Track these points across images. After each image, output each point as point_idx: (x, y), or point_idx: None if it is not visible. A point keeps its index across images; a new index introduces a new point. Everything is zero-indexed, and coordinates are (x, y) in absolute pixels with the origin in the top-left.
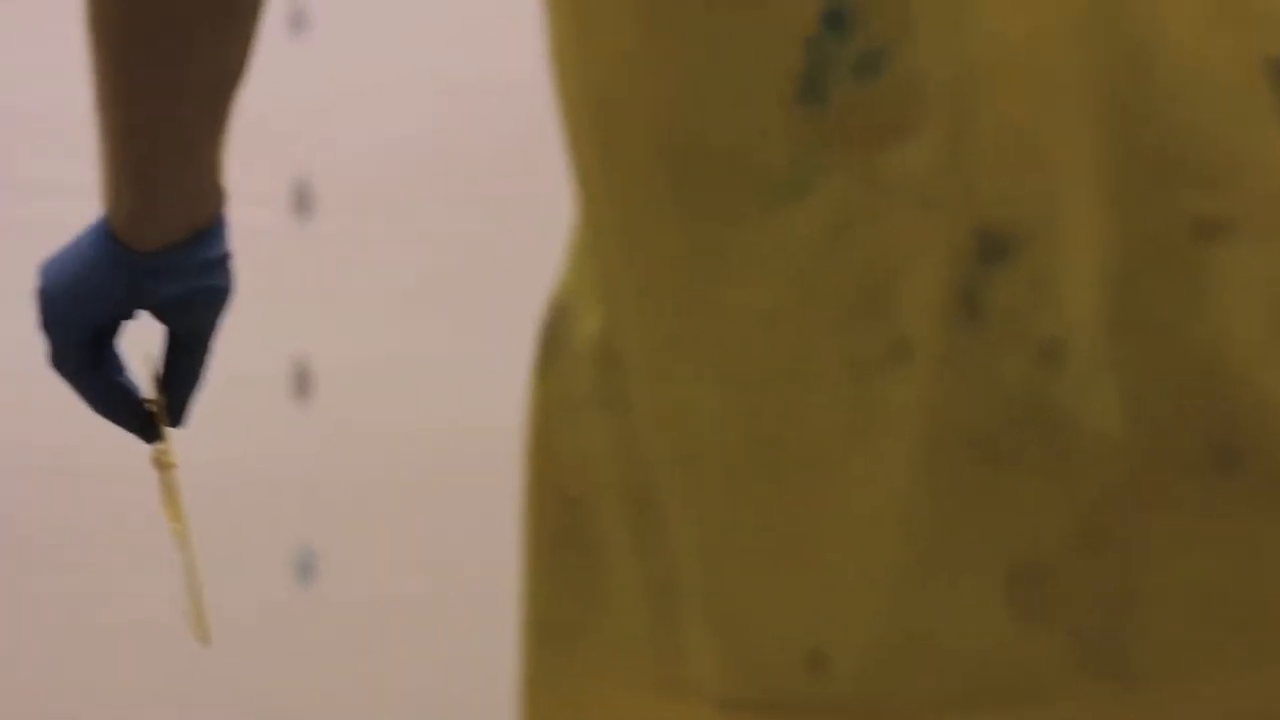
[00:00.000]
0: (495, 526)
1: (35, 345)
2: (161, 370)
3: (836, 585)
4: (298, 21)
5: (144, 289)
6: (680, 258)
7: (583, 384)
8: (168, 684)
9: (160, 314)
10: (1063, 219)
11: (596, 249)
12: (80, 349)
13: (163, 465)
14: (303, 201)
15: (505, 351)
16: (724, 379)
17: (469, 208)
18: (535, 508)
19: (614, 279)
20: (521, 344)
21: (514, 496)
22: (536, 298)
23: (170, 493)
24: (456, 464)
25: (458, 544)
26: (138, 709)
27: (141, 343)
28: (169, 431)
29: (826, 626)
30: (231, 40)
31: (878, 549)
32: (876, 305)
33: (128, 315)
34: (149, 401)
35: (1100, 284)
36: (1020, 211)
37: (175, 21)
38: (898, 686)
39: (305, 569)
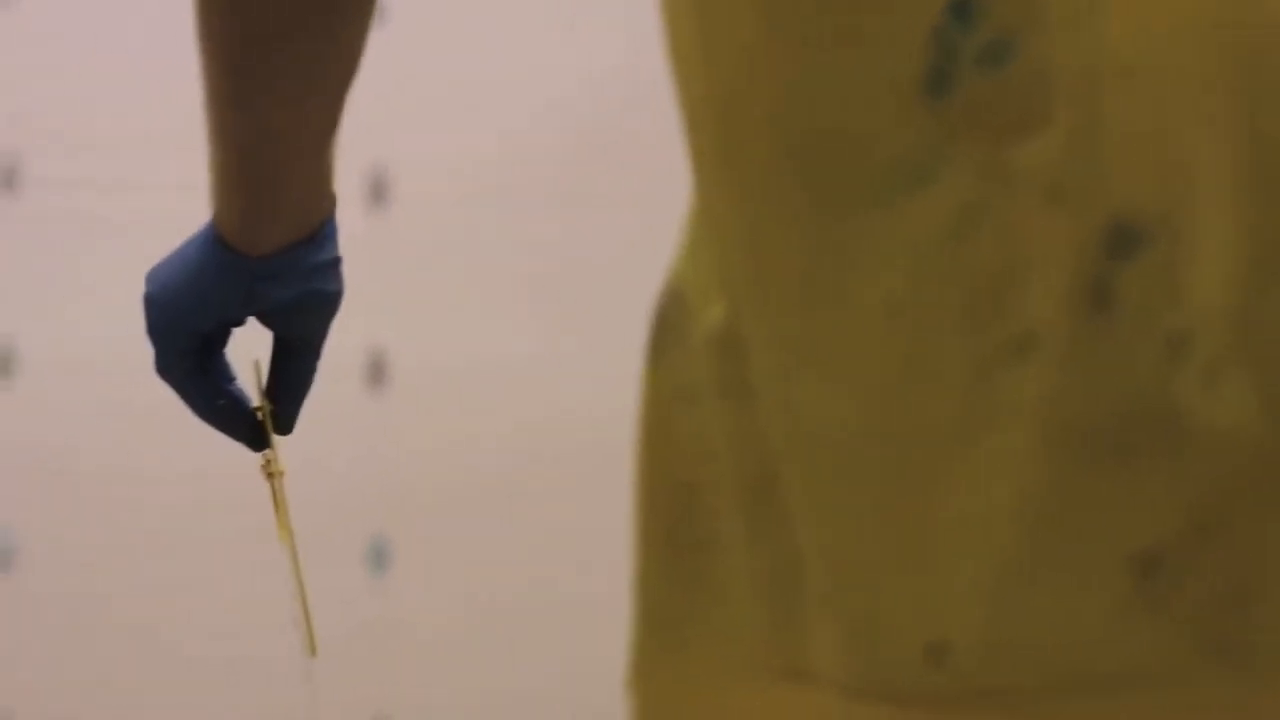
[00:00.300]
0: (570, 524)
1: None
2: (269, 377)
3: (955, 578)
4: (375, 15)
5: (255, 294)
6: (802, 250)
7: (702, 372)
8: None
9: (270, 319)
10: (1194, 212)
11: (715, 240)
12: (188, 356)
13: (271, 473)
14: (378, 193)
15: (586, 349)
16: (843, 372)
17: (548, 205)
18: (648, 497)
19: (734, 271)
20: (598, 341)
21: (586, 494)
22: (614, 296)
23: (278, 501)
24: (530, 463)
25: (531, 543)
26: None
27: (248, 349)
28: (277, 439)
29: (945, 618)
30: (349, 36)
31: (996, 541)
32: (1000, 298)
33: (237, 321)
34: (257, 409)
35: (1229, 278)
36: (1152, 204)
37: (294, 20)
38: (1016, 676)
39: (379, 559)
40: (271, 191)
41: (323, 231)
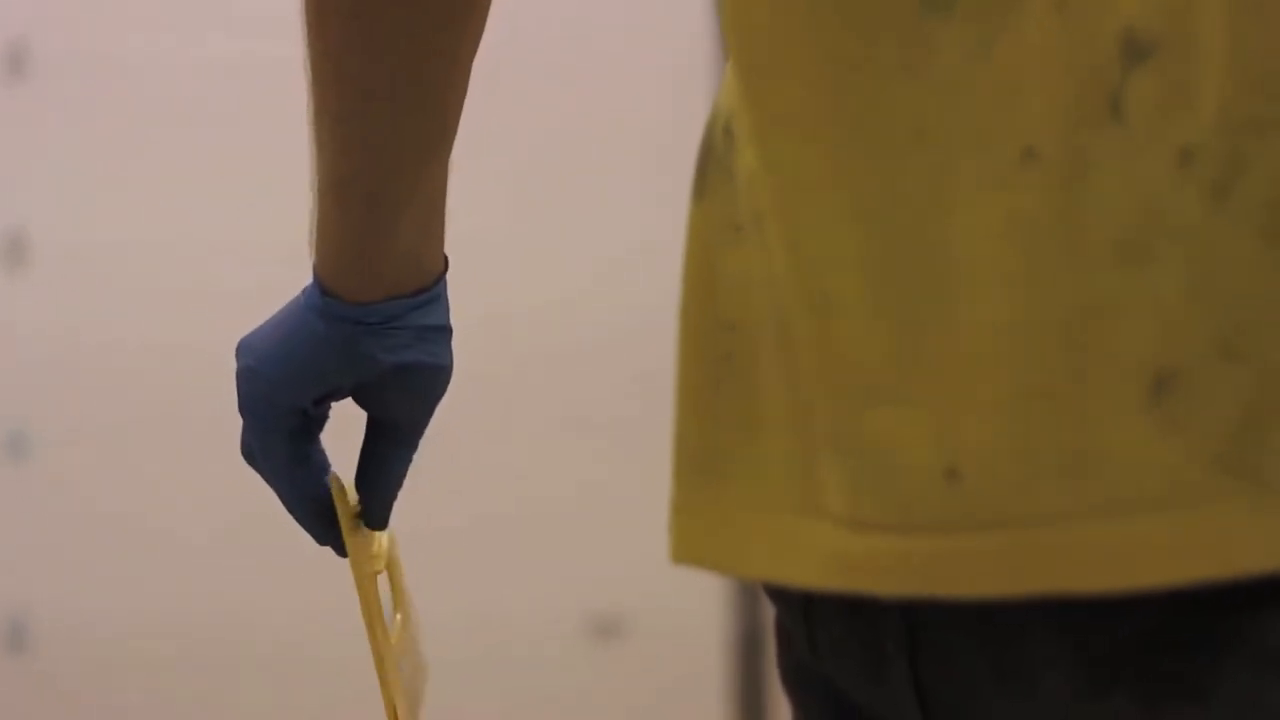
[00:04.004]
0: (221, 407)
1: None
2: (359, 465)
3: (969, 399)
4: None
5: (357, 353)
6: (821, 79)
7: (745, 208)
8: None
9: (369, 393)
10: (1196, 26)
11: (737, 79)
12: (283, 439)
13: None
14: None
15: (243, 226)
16: (860, 201)
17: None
18: (692, 335)
19: (758, 105)
20: (253, 218)
21: (224, 376)
22: (265, 174)
23: (370, 605)
24: (181, 345)
25: (173, 428)
26: None
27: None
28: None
29: (960, 442)
30: (465, 54)
31: (1011, 359)
32: (1015, 113)
33: (339, 389)
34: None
35: (1229, 97)
36: (1158, 17)
37: (419, 30)
38: (1036, 499)
39: (16, 447)
40: (376, 229)
41: (433, 291)
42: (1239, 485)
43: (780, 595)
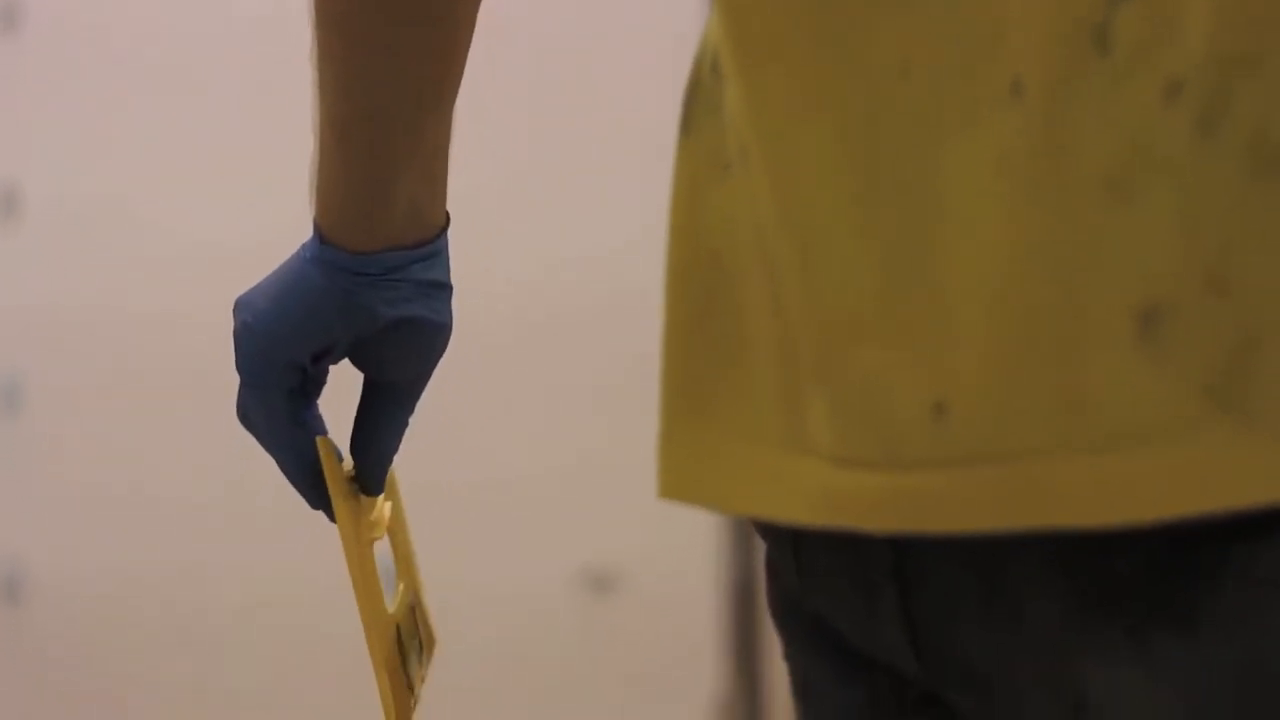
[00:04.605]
0: (205, 361)
1: None
2: (354, 430)
3: (957, 333)
4: None
5: (355, 305)
6: (806, 11)
7: (732, 145)
8: None
9: (366, 351)
10: None
11: (720, 13)
12: (281, 398)
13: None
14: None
15: (224, 181)
16: (845, 134)
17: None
18: (679, 267)
19: (742, 40)
20: (226, 171)
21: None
22: (234, 129)
23: (360, 574)
24: (167, 296)
25: (163, 381)
26: None
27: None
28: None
29: (947, 377)
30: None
31: (999, 293)
32: (1001, 45)
33: (337, 345)
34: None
35: (1217, 24)
36: None
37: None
38: (1024, 434)
39: (11, 398)
40: (378, 175)
41: (434, 245)
42: (1228, 418)
43: (769, 530)
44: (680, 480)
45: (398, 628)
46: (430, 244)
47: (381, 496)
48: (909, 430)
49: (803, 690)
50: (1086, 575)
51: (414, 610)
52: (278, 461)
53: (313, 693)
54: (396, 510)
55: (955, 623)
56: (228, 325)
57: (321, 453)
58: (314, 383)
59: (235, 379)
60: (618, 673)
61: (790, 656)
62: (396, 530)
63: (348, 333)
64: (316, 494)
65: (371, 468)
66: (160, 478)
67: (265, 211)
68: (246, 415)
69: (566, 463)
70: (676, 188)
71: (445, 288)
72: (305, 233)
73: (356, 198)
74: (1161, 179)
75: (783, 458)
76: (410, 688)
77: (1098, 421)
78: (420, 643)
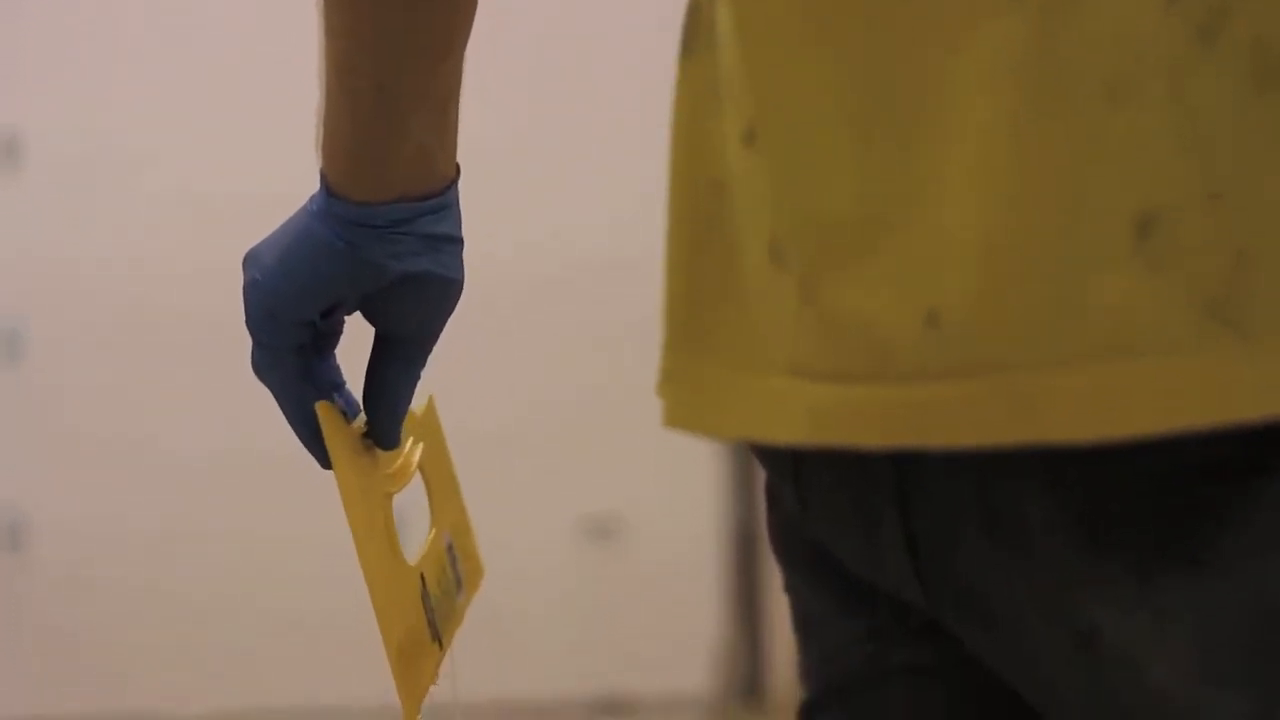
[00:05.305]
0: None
1: None
2: (365, 384)
3: (949, 241)
4: None
5: (364, 259)
6: None
7: (724, 71)
8: None
9: (376, 305)
10: None
11: None
12: (291, 355)
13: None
14: None
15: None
16: (835, 36)
17: None
18: (680, 197)
19: None
20: (238, 121)
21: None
22: (250, 79)
23: (365, 533)
24: (176, 244)
25: (167, 330)
26: None
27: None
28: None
29: (940, 286)
30: None
31: (993, 200)
32: None
33: (345, 300)
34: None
35: None
36: None
37: None
38: (1017, 344)
39: (12, 347)
40: (386, 123)
41: (444, 197)
42: (1226, 330)
43: (769, 456)
44: (682, 410)
45: (422, 577)
46: (439, 196)
47: (410, 440)
48: (901, 342)
49: (804, 621)
50: (1093, 511)
51: (449, 549)
52: (288, 419)
53: (310, 640)
54: (433, 446)
55: (957, 548)
56: (231, 274)
57: (321, 419)
58: (327, 335)
59: (237, 329)
60: (619, 619)
61: (791, 587)
62: (432, 467)
63: (355, 289)
64: (324, 452)
65: (384, 422)
66: (161, 425)
67: (269, 160)
68: (259, 372)
69: (568, 413)
70: (677, 112)
71: (455, 241)
72: (310, 180)
73: (364, 144)
74: (1160, 87)
75: (779, 381)
76: (437, 637)
77: (1093, 331)
78: (457, 579)
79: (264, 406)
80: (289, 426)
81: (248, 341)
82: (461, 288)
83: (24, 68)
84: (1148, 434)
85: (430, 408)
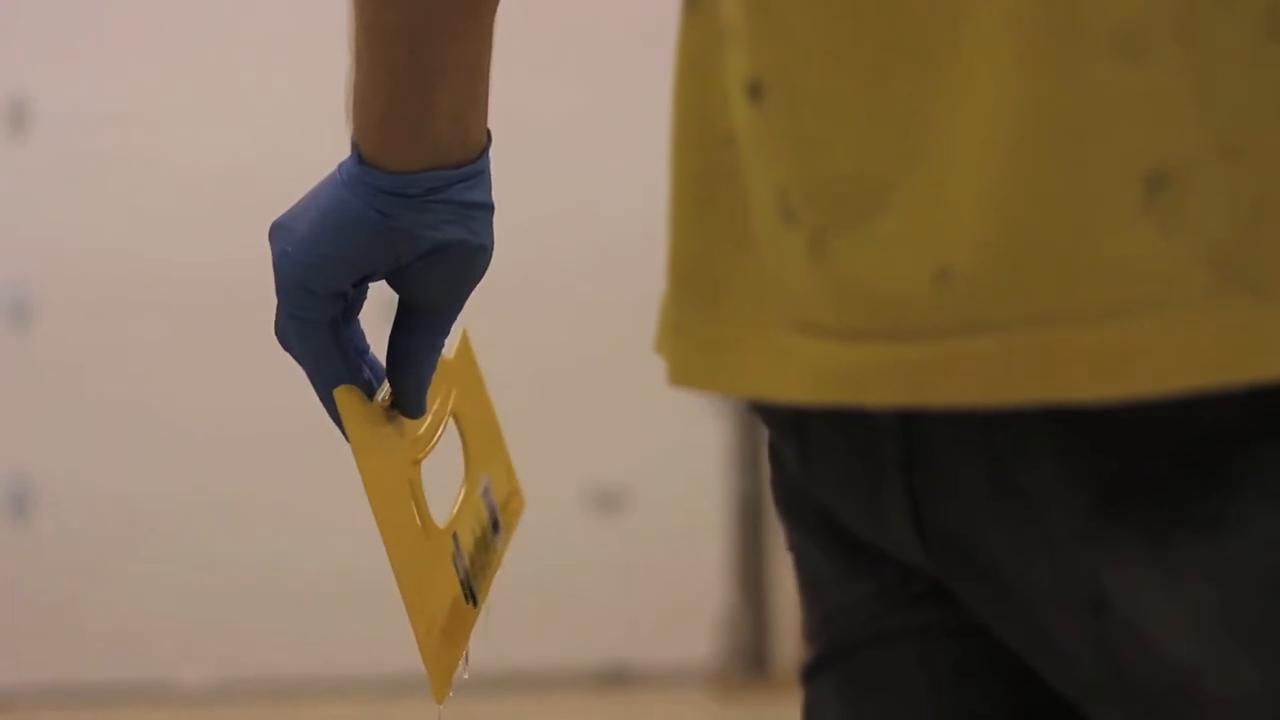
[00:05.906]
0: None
1: None
2: (388, 354)
3: (959, 196)
4: None
5: (397, 229)
6: None
7: (727, 25)
8: None
9: (406, 275)
10: None
11: None
12: (321, 326)
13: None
14: None
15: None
16: (858, 9)
17: None
18: (685, 149)
19: None
20: (229, 87)
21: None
22: (246, 42)
23: (388, 508)
24: (177, 210)
25: (177, 303)
26: None
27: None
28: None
29: (950, 241)
30: None
31: (1004, 154)
32: None
33: (376, 271)
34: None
35: None
36: None
37: None
38: (1028, 300)
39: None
40: (419, 88)
41: (477, 164)
42: (1238, 287)
43: (773, 416)
44: (687, 368)
45: (455, 536)
46: (474, 163)
47: (439, 397)
48: (910, 298)
49: (808, 581)
50: (1105, 474)
51: (485, 492)
52: (316, 390)
53: (320, 610)
54: (468, 386)
55: (966, 511)
56: (240, 242)
57: (340, 408)
58: (355, 304)
59: (245, 296)
60: (625, 590)
61: (794, 546)
62: (467, 409)
63: (389, 259)
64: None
65: (409, 393)
66: (168, 394)
67: (279, 128)
68: (285, 340)
69: (574, 384)
70: (680, 65)
71: (487, 208)
72: (322, 148)
73: (398, 110)
74: (1174, 39)
75: (786, 338)
76: (472, 597)
77: (1104, 288)
78: (497, 522)
79: (272, 375)
80: (303, 396)
81: (255, 309)
82: (490, 254)
83: (31, 35)
84: (1163, 391)
85: (464, 345)
